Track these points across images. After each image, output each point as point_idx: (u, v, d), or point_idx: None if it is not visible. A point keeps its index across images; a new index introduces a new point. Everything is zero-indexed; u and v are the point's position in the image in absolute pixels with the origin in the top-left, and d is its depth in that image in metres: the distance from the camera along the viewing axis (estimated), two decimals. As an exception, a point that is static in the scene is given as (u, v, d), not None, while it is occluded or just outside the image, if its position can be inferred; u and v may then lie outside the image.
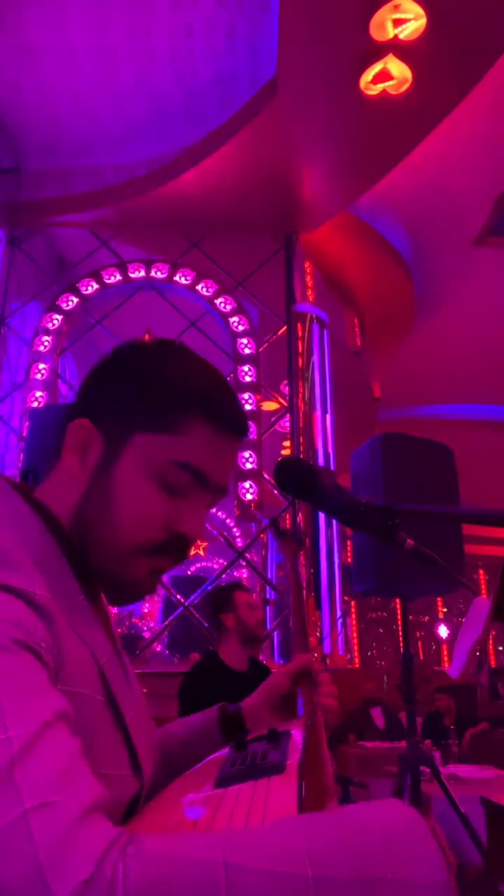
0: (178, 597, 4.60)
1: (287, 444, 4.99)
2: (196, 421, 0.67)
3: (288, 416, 4.89)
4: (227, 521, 6.81)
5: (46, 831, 0.40)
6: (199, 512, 0.68)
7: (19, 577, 0.52)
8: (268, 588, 5.16)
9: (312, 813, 0.49)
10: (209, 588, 4.47)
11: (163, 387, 0.67)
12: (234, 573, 5.71)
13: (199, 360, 0.72)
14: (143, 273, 5.13)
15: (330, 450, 4.95)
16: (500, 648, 8.98)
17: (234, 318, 4.99)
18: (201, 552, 7.42)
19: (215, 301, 5.03)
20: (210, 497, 0.70)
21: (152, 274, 5.12)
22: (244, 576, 6.68)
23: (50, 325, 5.01)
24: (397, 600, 2.51)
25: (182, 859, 0.41)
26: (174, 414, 0.66)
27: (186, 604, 4.51)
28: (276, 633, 4.95)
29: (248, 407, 4.76)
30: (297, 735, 0.67)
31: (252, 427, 4.68)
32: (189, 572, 8.05)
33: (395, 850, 0.44)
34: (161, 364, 0.70)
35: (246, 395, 4.78)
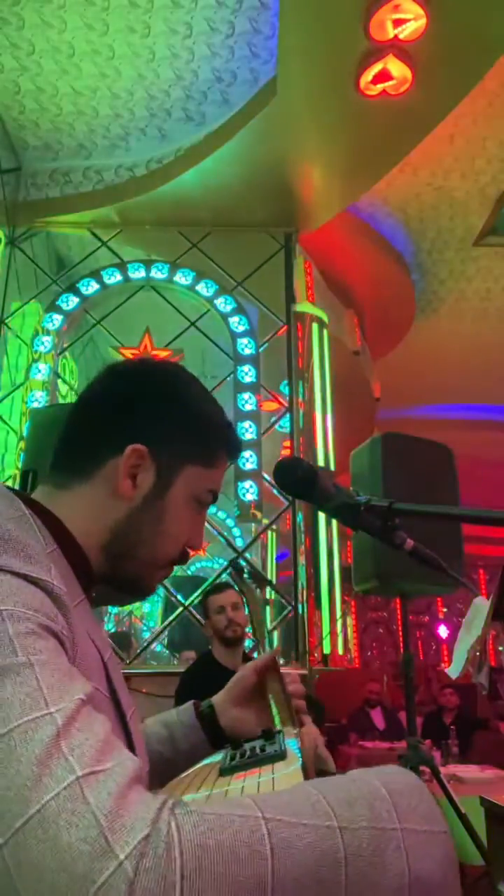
0: (178, 597, 4.61)
1: (287, 444, 4.98)
2: (223, 454, 0.79)
3: (288, 416, 4.89)
4: (227, 521, 6.81)
5: (101, 796, 0.42)
6: (203, 525, 0.80)
7: (38, 568, 0.55)
8: (267, 588, 5.16)
9: (322, 778, 0.54)
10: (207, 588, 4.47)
11: (208, 425, 0.78)
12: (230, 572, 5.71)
13: (201, 388, 0.82)
14: (143, 273, 5.13)
15: (330, 450, 4.95)
16: (501, 648, 8.97)
17: (234, 318, 4.99)
18: (201, 552, 7.42)
19: (215, 301, 5.03)
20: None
21: (152, 274, 5.12)
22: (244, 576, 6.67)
23: (50, 325, 5.01)
24: (397, 600, 2.50)
25: (226, 815, 0.44)
26: (215, 449, 0.78)
27: (186, 604, 4.52)
28: (277, 632, 4.95)
29: (248, 407, 4.75)
30: (289, 734, 0.68)
31: (252, 427, 4.69)
32: (189, 572, 8.05)
33: (398, 803, 0.49)
34: (203, 400, 0.80)
35: (246, 395, 4.78)
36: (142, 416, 0.75)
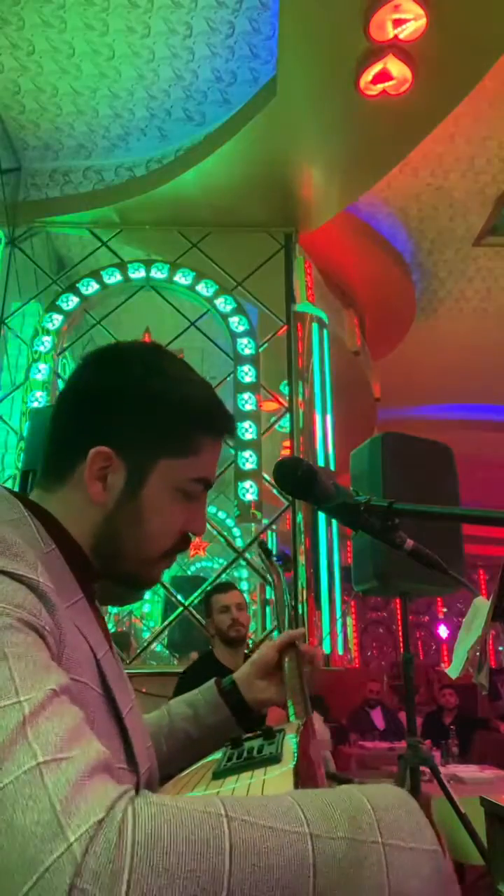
0: (178, 597, 4.60)
1: (287, 444, 4.98)
2: (205, 440, 0.74)
3: (288, 416, 4.89)
4: (227, 521, 6.81)
5: (59, 782, 0.42)
6: (203, 511, 0.77)
7: (23, 566, 0.55)
8: (267, 588, 5.16)
9: (305, 789, 0.53)
10: (208, 588, 4.47)
11: (181, 415, 0.73)
12: (234, 573, 5.71)
13: (189, 369, 0.78)
14: (143, 273, 5.12)
15: (330, 450, 4.94)
16: (500, 648, 8.97)
17: (234, 318, 4.99)
18: (201, 552, 7.42)
19: (215, 301, 5.03)
20: (206, 493, 0.78)
21: (152, 274, 5.12)
22: (244, 576, 6.68)
23: (50, 325, 5.01)
24: (397, 600, 2.50)
25: (188, 809, 0.44)
26: (192, 439, 0.73)
27: (186, 604, 4.52)
28: (277, 633, 4.94)
29: (248, 407, 4.75)
30: (292, 729, 0.68)
31: (252, 427, 4.69)
32: (189, 572, 8.05)
33: (383, 818, 0.48)
34: (176, 386, 0.74)
35: (246, 395, 4.78)
36: (104, 415, 0.71)
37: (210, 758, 0.71)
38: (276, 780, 0.56)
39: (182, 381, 0.75)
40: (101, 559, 0.71)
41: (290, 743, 0.64)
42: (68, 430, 0.73)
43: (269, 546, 1.30)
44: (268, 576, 1.25)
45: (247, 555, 4.67)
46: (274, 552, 1.25)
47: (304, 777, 0.57)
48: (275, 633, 1.11)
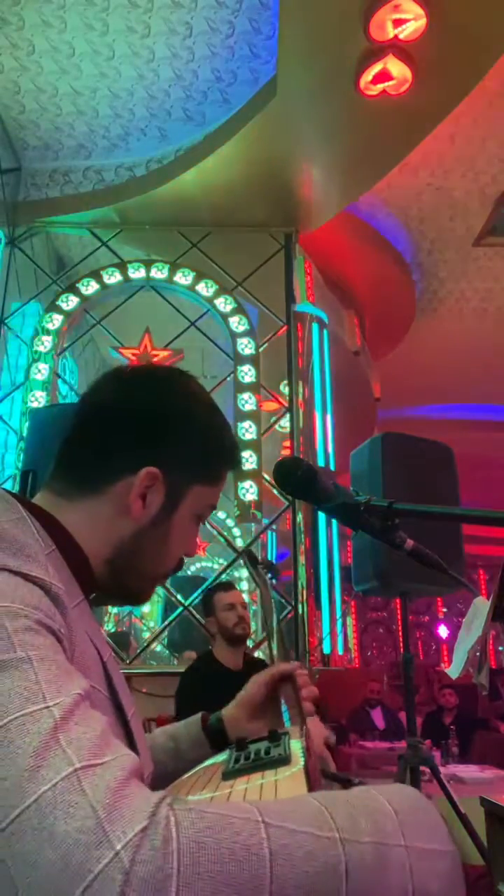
0: (178, 597, 4.60)
1: (287, 444, 4.98)
2: (226, 469, 0.81)
3: (288, 416, 4.89)
4: (227, 521, 6.81)
5: (99, 788, 0.42)
6: (197, 535, 0.81)
7: (36, 567, 0.55)
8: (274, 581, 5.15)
9: (326, 791, 0.53)
10: (209, 587, 4.47)
11: (219, 445, 0.79)
12: (234, 573, 5.71)
13: (210, 399, 0.82)
14: (143, 273, 5.12)
15: (330, 450, 4.94)
16: (501, 648, 8.97)
17: (234, 318, 4.99)
18: (201, 552, 7.42)
19: (215, 301, 5.03)
20: None
21: (152, 274, 5.12)
22: (244, 576, 6.68)
23: (50, 325, 5.01)
24: (397, 600, 2.50)
25: (226, 815, 0.44)
26: (220, 468, 0.80)
27: (186, 604, 4.52)
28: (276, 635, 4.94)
29: (248, 407, 4.75)
30: (295, 736, 0.67)
31: (252, 427, 4.69)
32: (189, 572, 8.05)
33: (404, 821, 0.48)
34: (214, 417, 0.80)
35: (246, 395, 4.78)
36: (161, 438, 0.74)
37: (211, 761, 0.71)
38: (289, 781, 0.56)
39: (214, 411, 0.81)
40: (113, 571, 0.72)
41: (296, 745, 0.64)
42: (110, 444, 0.74)
43: (271, 549, 1.29)
44: (256, 582, 1.25)
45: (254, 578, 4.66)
46: (259, 560, 1.25)
47: (313, 778, 0.58)
48: (275, 647, 1.10)
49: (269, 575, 1.22)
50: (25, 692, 0.45)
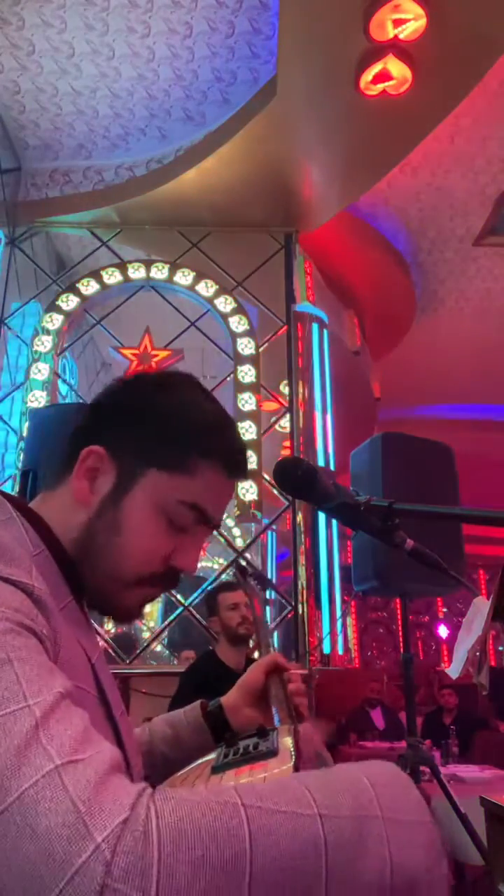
0: (178, 597, 4.60)
1: (287, 444, 4.99)
2: (209, 466, 0.71)
3: (288, 416, 4.89)
4: (227, 520, 6.81)
5: (79, 783, 0.43)
6: (196, 548, 0.73)
7: (18, 571, 0.55)
8: (269, 590, 5.15)
9: (306, 771, 0.54)
10: (208, 588, 4.47)
11: (185, 430, 0.71)
12: (234, 573, 5.71)
13: (211, 399, 0.76)
14: (143, 273, 5.13)
15: (330, 450, 4.95)
16: (501, 648, 8.97)
17: (234, 318, 4.99)
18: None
19: (215, 301, 5.03)
20: (207, 533, 0.75)
21: (152, 274, 5.12)
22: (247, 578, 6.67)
23: (50, 325, 5.01)
24: (397, 600, 2.51)
25: (205, 801, 0.45)
26: (192, 457, 0.70)
27: (186, 604, 4.52)
28: (277, 633, 4.95)
29: (248, 407, 4.75)
30: (284, 732, 0.68)
31: (252, 427, 4.69)
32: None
33: (381, 794, 0.49)
34: (183, 405, 0.73)
35: (246, 395, 4.78)
36: (107, 420, 0.73)
37: (202, 759, 0.71)
38: (277, 770, 0.57)
39: (194, 403, 0.74)
40: (78, 568, 0.69)
41: (285, 741, 0.64)
42: (76, 434, 0.74)
43: (271, 549, 1.29)
44: (246, 593, 1.25)
45: (246, 555, 4.67)
46: (250, 572, 1.25)
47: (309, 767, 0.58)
48: (255, 655, 1.10)
49: (259, 587, 1.21)
50: (6, 692, 0.46)
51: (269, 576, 7.24)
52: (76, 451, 0.71)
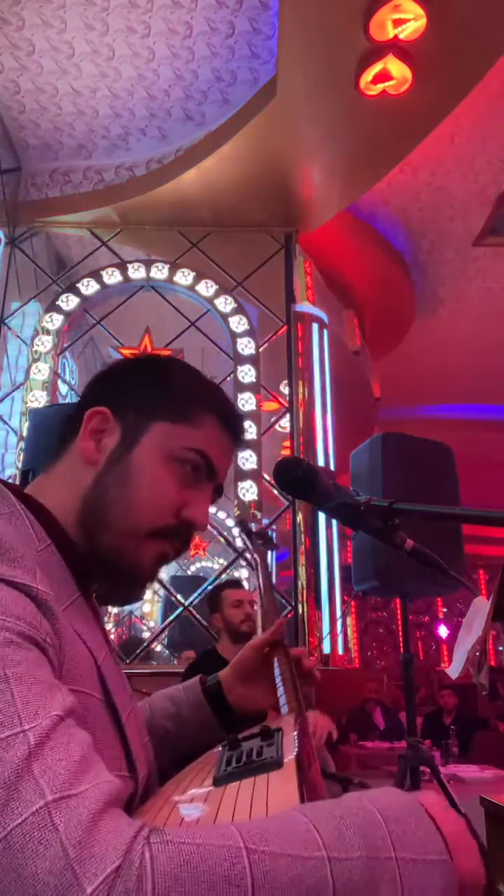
0: (178, 597, 4.60)
1: (287, 444, 4.98)
2: (209, 417, 0.73)
3: (288, 416, 4.89)
4: (227, 520, 6.81)
5: (71, 824, 0.40)
6: (205, 503, 0.73)
7: (21, 572, 0.53)
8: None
9: (314, 802, 0.51)
10: (209, 588, 4.47)
11: (183, 386, 0.74)
12: (234, 573, 5.71)
13: (205, 376, 0.80)
14: (143, 273, 5.13)
15: (330, 450, 4.95)
16: (501, 648, 8.97)
17: (234, 318, 4.99)
18: (201, 552, 7.41)
19: (215, 301, 5.03)
20: (213, 490, 0.75)
21: (152, 274, 5.12)
22: (244, 576, 6.68)
23: (50, 325, 5.01)
24: (397, 600, 2.51)
25: (205, 845, 0.42)
26: (192, 408, 0.72)
27: (186, 604, 4.51)
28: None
29: (248, 407, 4.75)
30: (288, 732, 0.67)
31: (252, 427, 4.69)
32: (189, 572, 8.05)
33: (394, 830, 0.47)
34: (181, 367, 0.78)
35: (246, 395, 4.78)
36: (109, 384, 0.75)
37: (204, 758, 0.70)
38: (280, 788, 0.55)
39: (190, 368, 0.78)
40: (87, 532, 0.68)
41: (290, 744, 0.63)
42: (77, 406, 0.75)
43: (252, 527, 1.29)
44: (251, 556, 1.25)
45: (247, 555, 4.66)
46: (255, 531, 1.25)
47: (308, 781, 0.57)
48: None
49: (264, 546, 1.22)
50: (0, 715, 0.44)
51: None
52: (77, 418, 0.72)
